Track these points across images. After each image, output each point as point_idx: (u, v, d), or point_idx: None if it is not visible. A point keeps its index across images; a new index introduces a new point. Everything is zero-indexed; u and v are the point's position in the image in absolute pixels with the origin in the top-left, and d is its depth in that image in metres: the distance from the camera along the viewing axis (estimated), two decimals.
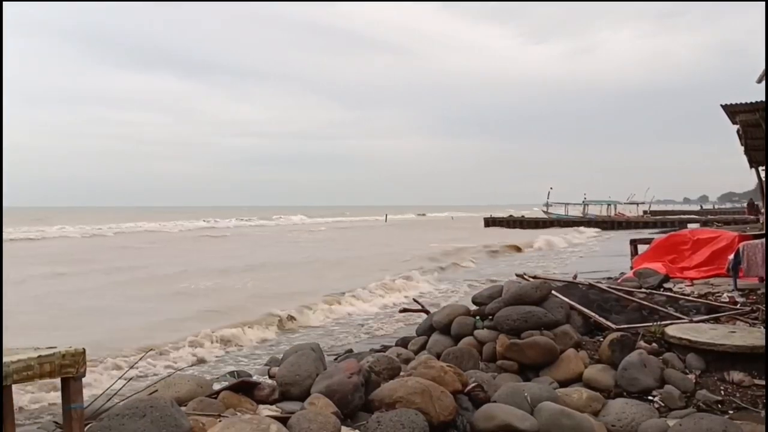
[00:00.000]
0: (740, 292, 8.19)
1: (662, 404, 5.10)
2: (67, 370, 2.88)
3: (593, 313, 6.72)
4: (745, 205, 53.29)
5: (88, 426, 3.40)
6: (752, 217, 33.10)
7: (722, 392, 5.24)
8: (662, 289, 8.98)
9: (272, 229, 55.78)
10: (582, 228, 45.45)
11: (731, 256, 8.89)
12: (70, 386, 2.92)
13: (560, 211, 58.19)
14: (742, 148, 14.00)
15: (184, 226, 54.80)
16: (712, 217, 46.71)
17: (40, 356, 2.80)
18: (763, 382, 5.24)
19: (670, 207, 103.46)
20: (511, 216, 57.42)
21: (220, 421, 3.70)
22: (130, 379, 4.31)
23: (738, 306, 7.35)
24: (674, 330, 6.09)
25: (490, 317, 6.51)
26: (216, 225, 60.08)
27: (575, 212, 58.05)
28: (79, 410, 2.95)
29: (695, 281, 9.72)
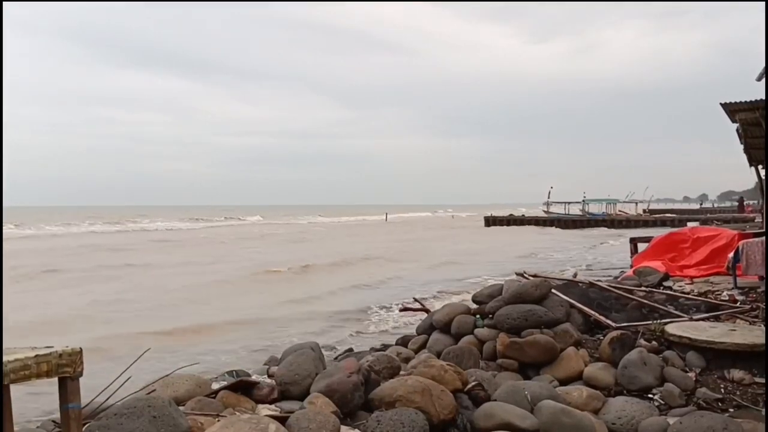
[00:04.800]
0: (740, 291, 8.17)
1: (662, 402, 5.09)
2: (64, 369, 2.87)
3: (593, 312, 6.71)
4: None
5: (86, 425, 3.39)
6: (751, 215, 33.18)
7: (722, 390, 5.23)
8: (662, 288, 8.97)
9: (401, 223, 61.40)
10: None
11: (731, 255, 8.88)
12: (68, 386, 2.90)
13: (560, 210, 58.14)
14: (742, 146, 13.96)
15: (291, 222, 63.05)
16: (712, 215, 46.69)
17: (37, 356, 2.78)
18: (763, 381, 5.23)
19: (669, 206, 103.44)
20: (511, 215, 57.42)
21: (218, 420, 3.69)
22: (129, 378, 4.29)
23: (738, 304, 7.34)
24: (674, 328, 6.09)
25: (491, 316, 6.50)
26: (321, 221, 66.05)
27: (575, 211, 58.00)
28: (77, 410, 2.93)
29: (695, 279, 9.70)
